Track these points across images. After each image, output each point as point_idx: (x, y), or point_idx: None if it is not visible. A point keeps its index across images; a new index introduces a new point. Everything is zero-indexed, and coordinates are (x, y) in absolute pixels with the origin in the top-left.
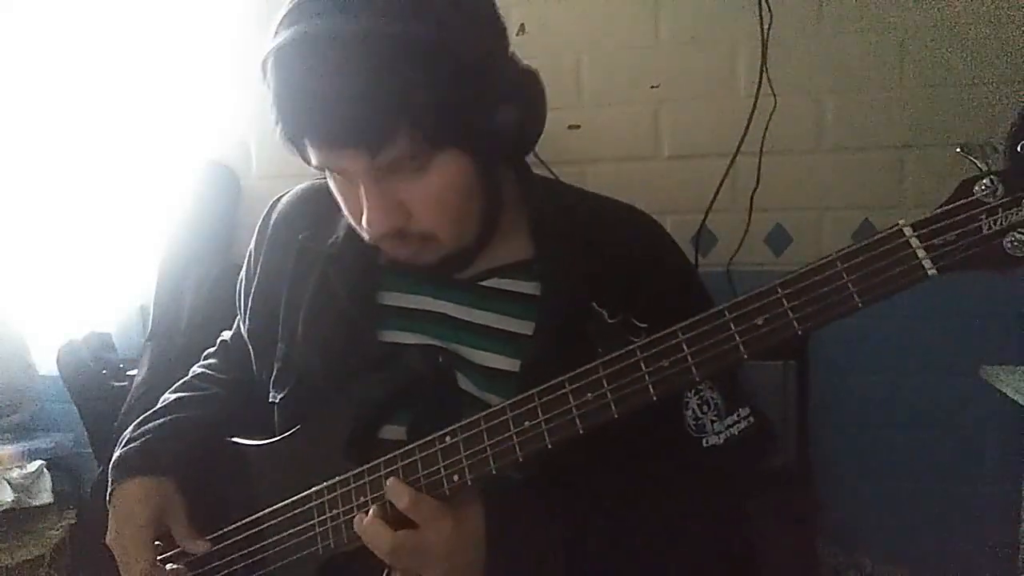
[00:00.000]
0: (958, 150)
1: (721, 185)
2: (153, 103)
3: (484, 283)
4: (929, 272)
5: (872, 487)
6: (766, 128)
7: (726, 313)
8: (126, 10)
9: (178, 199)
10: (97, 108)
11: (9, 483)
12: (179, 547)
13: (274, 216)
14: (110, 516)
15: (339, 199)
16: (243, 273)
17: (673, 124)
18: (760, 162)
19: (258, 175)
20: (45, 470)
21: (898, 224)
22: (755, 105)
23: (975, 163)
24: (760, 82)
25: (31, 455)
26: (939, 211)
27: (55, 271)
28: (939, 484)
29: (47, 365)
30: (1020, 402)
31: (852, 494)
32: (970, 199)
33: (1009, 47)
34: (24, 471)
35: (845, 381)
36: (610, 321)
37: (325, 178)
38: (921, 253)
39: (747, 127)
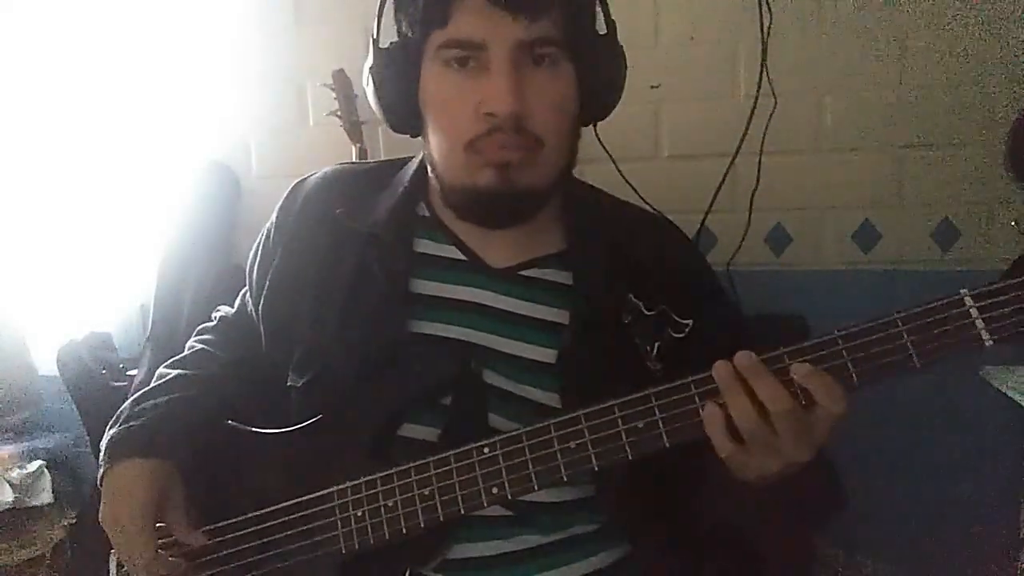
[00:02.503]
0: (1014, 224)
1: (721, 185)
2: (153, 103)
3: (522, 272)
4: (987, 343)
5: (872, 487)
6: (766, 128)
7: (785, 359)
8: (126, 10)
9: (178, 199)
10: (97, 108)
11: (9, 483)
12: (173, 537)
13: (301, 196)
14: (103, 497)
15: (447, 107)
16: (258, 251)
17: (673, 124)
18: (760, 162)
19: (258, 175)
20: (45, 470)
21: (960, 293)
22: (755, 105)
23: None
24: (760, 82)
25: (31, 455)
26: (999, 285)
27: (55, 271)
28: (939, 484)
29: (47, 365)
30: (1020, 402)
31: (852, 494)
32: None
33: (1009, 47)
34: (24, 471)
35: None
36: (647, 313)
37: (349, 165)
38: (980, 324)
39: (747, 127)
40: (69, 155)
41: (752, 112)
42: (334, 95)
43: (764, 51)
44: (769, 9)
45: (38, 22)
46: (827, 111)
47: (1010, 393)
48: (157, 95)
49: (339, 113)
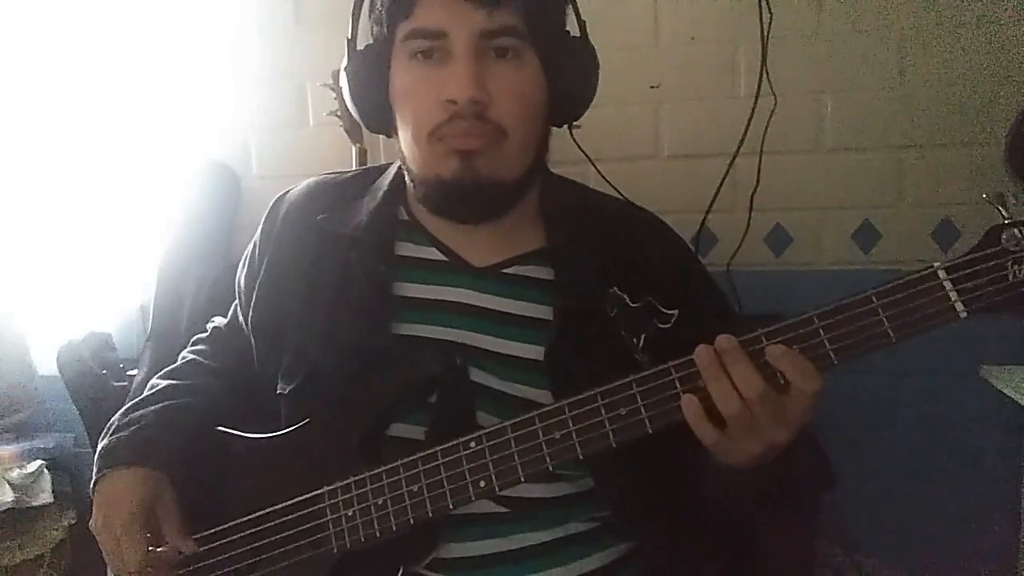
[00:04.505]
0: (984, 196)
1: (721, 185)
2: (153, 103)
3: (505, 270)
4: (961, 314)
5: (872, 487)
6: (766, 128)
7: (763, 339)
8: (126, 10)
9: (178, 199)
10: (97, 108)
11: (9, 483)
12: (167, 543)
13: (284, 208)
14: (95, 504)
15: (411, 97)
16: (245, 265)
17: (673, 124)
18: (760, 162)
19: (258, 175)
20: (45, 470)
21: (932, 266)
22: (755, 105)
23: (1001, 212)
24: (760, 82)
25: (31, 455)
26: (969, 256)
27: (55, 271)
28: (939, 484)
29: (47, 365)
30: (1020, 402)
31: (852, 494)
32: (998, 248)
33: (1009, 47)
34: (24, 471)
35: (845, 381)
36: (632, 305)
37: (330, 175)
38: (953, 296)
39: (747, 127)
40: (69, 155)
41: (752, 112)
42: (334, 95)
43: (764, 51)
44: (769, 9)
45: (38, 22)
46: (827, 111)
47: (1010, 393)
48: (157, 95)
49: (339, 113)
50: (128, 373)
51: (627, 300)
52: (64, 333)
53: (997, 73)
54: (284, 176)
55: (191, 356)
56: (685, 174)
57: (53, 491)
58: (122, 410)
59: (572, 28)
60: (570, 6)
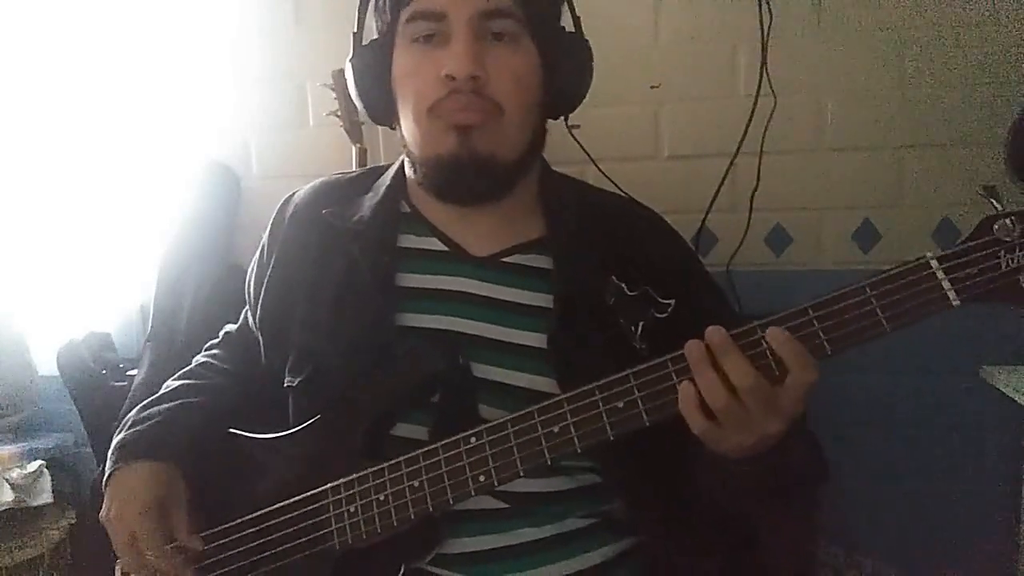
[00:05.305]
0: (977, 190)
1: (721, 185)
2: (153, 103)
3: (505, 259)
4: (953, 303)
5: (872, 487)
6: (766, 128)
7: (758, 331)
8: (126, 10)
9: (178, 199)
10: (97, 108)
11: (9, 483)
12: (175, 540)
13: (291, 208)
14: (107, 497)
15: (412, 77)
16: (254, 265)
17: (673, 124)
18: (760, 162)
19: (258, 175)
20: (45, 470)
21: (925, 256)
22: (755, 105)
23: (994, 204)
24: (760, 82)
25: (31, 455)
26: (962, 246)
27: (55, 271)
28: (939, 484)
29: (47, 365)
30: (1020, 402)
31: (852, 494)
32: (990, 237)
33: (1009, 47)
34: (24, 471)
35: (845, 381)
36: (630, 294)
37: (336, 175)
38: (946, 285)
39: (747, 127)
40: (69, 155)
41: (752, 112)
42: (334, 95)
43: (764, 51)
44: (769, 9)
45: (38, 22)
46: (827, 111)
47: (1010, 393)
48: (157, 95)
49: (339, 113)
50: (128, 373)
51: (625, 289)
52: (64, 333)
53: (997, 73)
54: (284, 176)
55: (204, 359)
56: (685, 174)
57: (53, 491)
58: (137, 407)
59: (568, 26)
60: (564, 3)
